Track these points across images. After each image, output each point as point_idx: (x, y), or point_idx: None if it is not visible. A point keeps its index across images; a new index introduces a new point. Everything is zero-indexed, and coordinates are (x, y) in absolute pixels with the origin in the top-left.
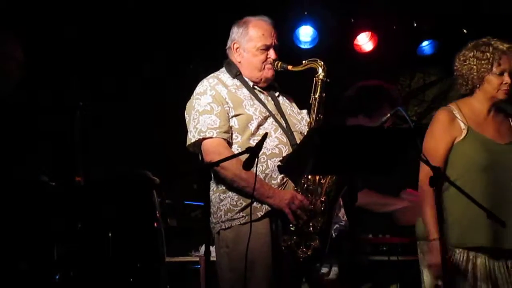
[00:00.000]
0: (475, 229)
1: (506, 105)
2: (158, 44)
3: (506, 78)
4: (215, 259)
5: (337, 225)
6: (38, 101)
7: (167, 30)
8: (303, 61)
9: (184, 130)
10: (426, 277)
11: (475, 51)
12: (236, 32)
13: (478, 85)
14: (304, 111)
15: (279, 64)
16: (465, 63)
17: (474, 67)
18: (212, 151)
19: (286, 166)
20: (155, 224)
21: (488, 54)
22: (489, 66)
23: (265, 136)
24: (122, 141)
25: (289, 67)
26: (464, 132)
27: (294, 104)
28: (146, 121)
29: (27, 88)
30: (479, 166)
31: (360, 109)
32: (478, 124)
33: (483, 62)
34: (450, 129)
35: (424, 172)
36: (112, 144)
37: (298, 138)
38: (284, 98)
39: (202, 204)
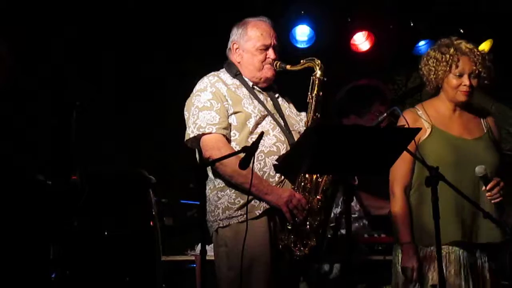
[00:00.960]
0: (447, 226)
1: (481, 96)
2: (157, 44)
3: (465, 80)
4: (211, 258)
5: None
6: (35, 100)
7: (166, 30)
8: (301, 60)
9: (180, 129)
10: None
11: (436, 52)
12: (235, 33)
13: (439, 86)
14: (303, 113)
15: (277, 64)
16: (427, 64)
17: (433, 68)
18: (211, 146)
19: (282, 165)
20: (151, 223)
21: (447, 55)
22: (447, 67)
23: (261, 135)
24: (118, 140)
25: (288, 67)
26: (428, 130)
27: (292, 106)
28: (142, 120)
29: (25, 88)
30: (447, 162)
31: (350, 109)
32: (443, 123)
33: (442, 63)
34: None
35: (393, 175)
36: (108, 143)
37: (296, 137)
38: (283, 99)
39: (198, 203)
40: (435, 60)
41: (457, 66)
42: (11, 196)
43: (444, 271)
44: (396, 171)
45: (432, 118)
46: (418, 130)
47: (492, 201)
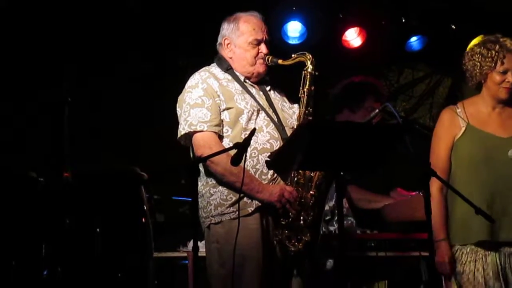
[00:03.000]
0: (472, 225)
1: None
2: (147, 41)
3: (509, 77)
4: (203, 254)
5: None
6: (26, 98)
7: (155, 27)
8: (292, 55)
9: (171, 126)
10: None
11: (482, 48)
12: (226, 28)
13: (482, 82)
14: (296, 106)
15: (269, 59)
16: (471, 59)
17: (478, 63)
18: (203, 145)
19: (274, 162)
20: (143, 220)
21: (493, 51)
22: (493, 64)
23: (253, 131)
24: (110, 137)
25: (279, 61)
26: (463, 129)
27: (285, 99)
28: (134, 116)
29: (16, 85)
30: (477, 160)
31: (344, 104)
32: (481, 121)
33: (487, 59)
34: (450, 128)
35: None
36: (100, 140)
37: (290, 133)
38: (276, 92)
39: (190, 199)
40: (480, 56)
41: (502, 63)
42: (3, 193)
43: (482, 273)
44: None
45: (469, 116)
46: (408, 125)
47: None
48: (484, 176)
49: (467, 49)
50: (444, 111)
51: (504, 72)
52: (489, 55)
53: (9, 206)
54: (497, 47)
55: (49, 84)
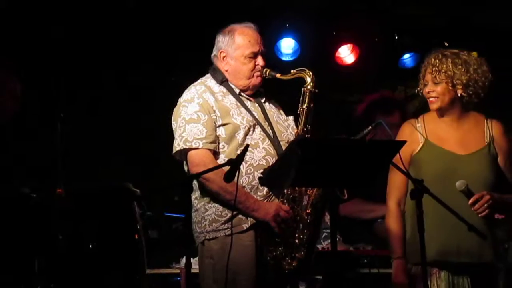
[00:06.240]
0: (429, 243)
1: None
2: (142, 57)
3: (428, 87)
4: (196, 271)
5: (325, 234)
6: (20, 112)
7: (148, 43)
8: (292, 70)
9: (166, 142)
10: None
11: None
12: (222, 41)
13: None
14: (291, 118)
15: (267, 72)
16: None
17: (420, 85)
18: (198, 163)
19: (267, 178)
20: (135, 236)
21: (422, 70)
22: (422, 79)
23: (246, 148)
24: (103, 153)
25: (278, 75)
26: (421, 144)
27: (281, 111)
28: (127, 133)
29: None
30: (435, 176)
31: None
32: (440, 137)
33: (420, 78)
34: (409, 142)
35: (388, 188)
36: (93, 156)
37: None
38: (271, 104)
39: (183, 216)
40: (418, 77)
41: (423, 77)
42: None
43: None
44: (390, 184)
45: (428, 132)
46: (402, 143)
47: (479, 215)
48: (443, 192)
49: None
50: (404, 124)
51: (426, 84)
52: (420, 74)
53: (1, 222)
54: (425, 63)
55: (41, 98)
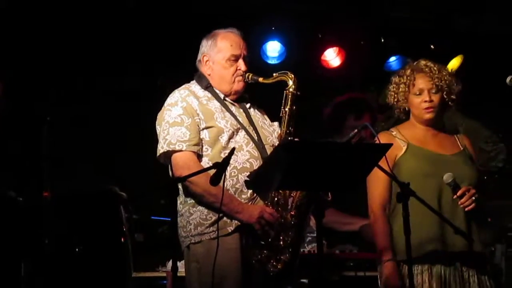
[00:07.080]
0: (424, 240)
1: (452, 114)
2: (131, 58)
3: (425, 97)
4: (182, 274)
5: (309, 238)
6: (6, 116)
7: (135, 48)
8: (274, 74)
9: (151, 145)
10: None
11: (396, 77)
12: (205, 45)
13: (407, 109)
14: (276, 123)
15: (250, 76)
16: (390, 92)
17: (393, 93)
18: (181, 165)
19: (253, 182)
20: (122, 239)
21: (405, 76)
22: (406, 88)
23: (232, 151)
24: (89, 157)
25: (260, 79)
26: (404, 148)
27: (266, 116)
28: (113, 136)
29: None
30: (422, 174)
31: (330, 126)
32: (420, 141)
33: (400, 86)
34: (391, 148)
35: (371, 194)
36: (79, 159)
37: (270, 152)
38: (256, 110)
39: (169, 219)
40: (394, 85)
41: (414, 85)
42: None
43: (428, 285)
44: (373, 190)
45: (408, 137)
46: (389, 145)
47: (466, 209)
48: (430, 189)
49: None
50: (380, 135)
51: (420, 93)
52: (401, 81)
53: None
54: (408, 71)
55: (29, 102)
